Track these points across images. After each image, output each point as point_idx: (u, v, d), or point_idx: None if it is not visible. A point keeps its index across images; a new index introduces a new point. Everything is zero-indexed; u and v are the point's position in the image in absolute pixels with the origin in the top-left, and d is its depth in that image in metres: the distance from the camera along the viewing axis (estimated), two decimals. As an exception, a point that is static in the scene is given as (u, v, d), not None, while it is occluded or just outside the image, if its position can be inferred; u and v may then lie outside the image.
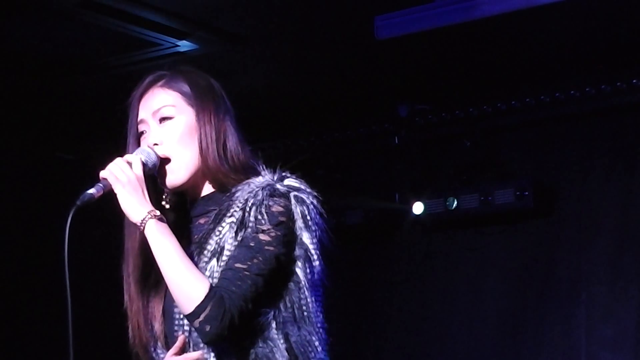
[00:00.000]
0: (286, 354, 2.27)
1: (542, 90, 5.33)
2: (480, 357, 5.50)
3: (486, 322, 5.50)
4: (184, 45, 4.78)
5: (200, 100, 2.39)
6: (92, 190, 2.28)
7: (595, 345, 5.19)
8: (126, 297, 2.41)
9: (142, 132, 2.41)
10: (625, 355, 5.11)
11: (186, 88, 2.40)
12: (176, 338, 2.34)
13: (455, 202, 5.48)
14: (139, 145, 2.40)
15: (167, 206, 2.38)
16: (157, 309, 2.40)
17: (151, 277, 2.40)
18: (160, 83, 2.43)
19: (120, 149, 2.43)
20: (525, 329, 5.37)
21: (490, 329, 5.48)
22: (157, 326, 2.40)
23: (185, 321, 2.31)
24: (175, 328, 2.35)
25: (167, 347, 2.39)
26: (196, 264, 2.27)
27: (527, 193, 5.29)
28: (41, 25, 4.58)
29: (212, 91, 2.43)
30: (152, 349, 2.42)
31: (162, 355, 2.39)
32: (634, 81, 5.09)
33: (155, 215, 2.26)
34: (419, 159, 5.70)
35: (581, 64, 5.15)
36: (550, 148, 5.46)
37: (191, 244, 2.35)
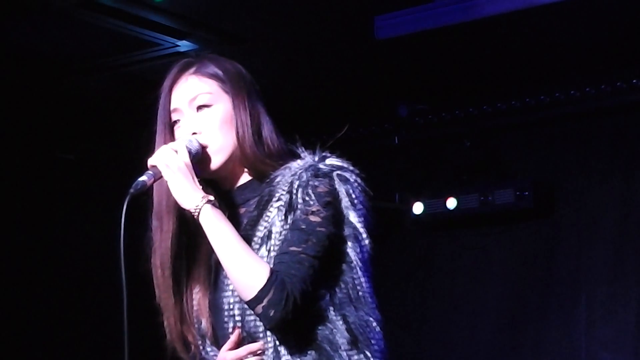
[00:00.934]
0: (347, 334, 2.23)
1: (542, 90, 5.33)
2: (480, 357, 5.50)
3: (486, 322, 5.50)
4: (184, 45, 4.78)
5: (234, 86, 2.36)
6: (143, 178, 2.23)
7: (595, 345, 5.19)
8: (157, 292, 2.35)
9: (175, 121, 2.36)
10: (625, 355, 5.11)
11: (220, 74, 2.37)
12: (226, 330, 2.30)
13: (455, 202, 5.48)
14: (171, 133, 2.36)
15: None
16: (203, 304, 2.36)
17: (193, 272, 2.36)
18: (191, 70, 2.38)
19: (146, 142, 2.38)
20: (525, 329, 5.37)
21: (490, 329, 5.48)
22: (205, 322, 2.36)
23: (237, 311, 2.28)
24: (225, 320, 2.31)
25: (216, 342, 2.35)
26: None
27: (527, 193, 5.29)
28: (41, 25, 4.58)
29: (243, 77, 2.41)
30: (201, 347, 2.37)
31: (212, 353, 2.35)
32: (634, 81, 5.09)
33: (209, 201, 2.22)
34: (419, 159, 5.70)
35: (581, 64, 5.15)
36: (550, 148, 5.46)
37: (242, 236, 2.28)
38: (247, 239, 2.25)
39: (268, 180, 2.31)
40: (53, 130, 5.77)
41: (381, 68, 5.21)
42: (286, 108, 5.66)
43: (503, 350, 5.44)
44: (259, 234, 2.26)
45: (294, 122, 6.09)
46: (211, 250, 2.26)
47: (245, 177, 2.37)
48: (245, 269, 2.17)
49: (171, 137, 2.35)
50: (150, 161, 2.26)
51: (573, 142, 5.38)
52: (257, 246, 2.25)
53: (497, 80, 5.36)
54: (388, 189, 5.75)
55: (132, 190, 2.21)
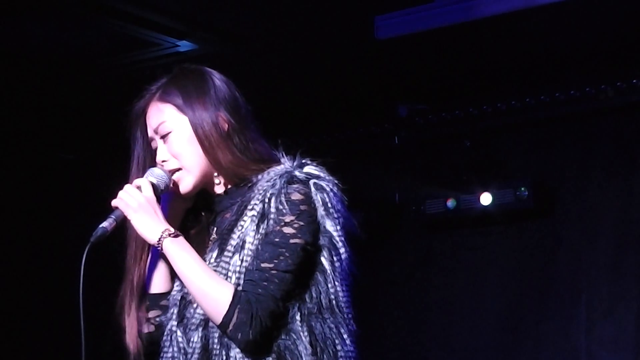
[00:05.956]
0: (309, 346, 2.22)
1: (542, 90, 5.33)
2: (480, 357, 5.49)
3: (486, 322, 5.50)
4: (184, 45, 4.78)
5: (192, 102, 2.35)
6: (104, 224, 2.29)
7: (595, 345, 5.19)
8: (122, 301, 2.41)
9: (156, 148, 2.40)
10: (625, 355, 5.11)
11: (176, 97, 2.37)
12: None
13: (456, 202, 5.48)
14: (154, 159, 2.39)
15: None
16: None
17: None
18: (157, 96, 2.40)
19: (123, 152, 2.45)
20: (525, 329, 5.37)
21: (490, 329, 5.48)
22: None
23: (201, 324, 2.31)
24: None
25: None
26: (220, 260, 2.26)
27: (527, 193, 5.29)
28: (42, 25, 4.58)
29: (203, 86, 2.38)
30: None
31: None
32: (634, 81, 5.10)
33: (170, 234, 2.26)
34: (419, 159, 5.70)
35: (581, 64, 5.15)
36: (550, 148, 5.46)
37: (217, 240, 2.32)
38: (223, 243, 2.28)
39: (250, 184, 2.32)
40: (54, 130, 5.77)
41: (381, 68, 5.22)
42: (286, 108, 5.68)
43: (503, 350, 5.43)
44: (233, 242, 2.26)
45: (294, 121, 6.14)
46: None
47: (229, 183, 2.38)
48: (209, 296, 2.19)
49: (152, 161, 2.40)
50: (113, 202, 2.31)
51: (573, 142, 5.38)
52: (230, 254, 2.25)
53: (497, 80, 5.36)
54: (388, 189, 5.75)
55: (92, 240, 2.27)
